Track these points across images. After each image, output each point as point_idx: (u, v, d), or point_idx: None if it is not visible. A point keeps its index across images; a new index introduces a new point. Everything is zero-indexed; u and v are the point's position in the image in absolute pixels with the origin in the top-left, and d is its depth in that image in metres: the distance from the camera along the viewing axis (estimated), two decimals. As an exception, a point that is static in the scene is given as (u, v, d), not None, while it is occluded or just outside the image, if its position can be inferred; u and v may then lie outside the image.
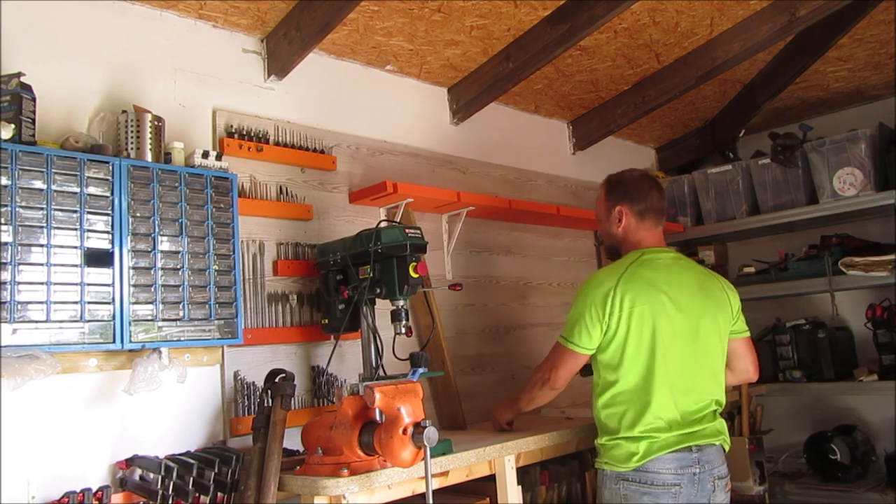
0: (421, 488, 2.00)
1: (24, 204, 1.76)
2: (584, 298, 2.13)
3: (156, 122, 2.06)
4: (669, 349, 2.07)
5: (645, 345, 2.06)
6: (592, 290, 2.12)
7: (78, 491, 1.82)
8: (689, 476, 2.01)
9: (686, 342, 2.10)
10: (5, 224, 1.73)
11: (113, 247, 1.89)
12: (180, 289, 2.01)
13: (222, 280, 2.10)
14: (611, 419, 2.10)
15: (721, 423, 2.14)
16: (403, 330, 2.22)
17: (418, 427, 1.77)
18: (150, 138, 2.03)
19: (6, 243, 1.72)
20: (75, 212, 1.84)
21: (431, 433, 1.75)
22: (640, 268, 2.13)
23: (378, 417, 1.91)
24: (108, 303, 1.86)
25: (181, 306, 2.00)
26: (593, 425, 2.58)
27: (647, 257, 2.17)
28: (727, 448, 2.16)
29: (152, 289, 1.95)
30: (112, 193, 1.91)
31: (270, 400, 2.05)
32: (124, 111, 2.05)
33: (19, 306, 1.72)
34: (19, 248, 1.74)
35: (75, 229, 1.84)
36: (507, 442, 2.26)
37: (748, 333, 2.33)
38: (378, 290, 2.19)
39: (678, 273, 2.18)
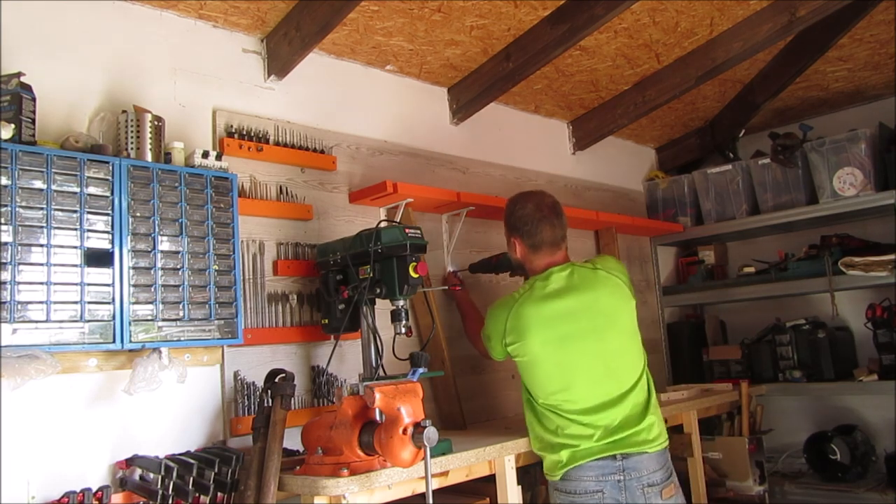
0: (421, 488, 2.00)
1: (24, 204, 1.76)
2: (489, 320, 2.31)
3: (156, 122, 2.05)
4: (576, 366, 2.16)
5: (560, 356, 2.17)
6: (494, 319, 2.28)
7: (78, 491, 1.82)
8: (612, 483, 2.06)
9: (591, 356, 2.18)
10: (5, 224, 1.73)
11: (113, 247, 1.89)
12: (180, 289, 2.01)
13: (222, 280, 2.10)
14: (538, 429, 2.21)
15: (649, 428, 2.15)
16: (403, 330, 2.22)
17: (418, 427, 1.77)
18: (150, 138, 2.03)
19: (6, 243, 1.72)
20: (75, 212, 1.84)
21: (431, 433, 1.75)
22: (533, 295, 2.22)
23: (378, 417, 1.90)
24: (108, 303, 1.86)
25: (181, 306, 2.00)
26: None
27: (536, 284, 2.25)
28: (660, 449, 2.16)
29: (152, 289, 1.95)
30: (112, 193, 1.91)
31: (270, 400, 2.05)
32: (124, 111, 2.05)
33: (19, 306, 1.72)
34: (19, 248, 1.74)
35: (75, 229, 1.84)
36: (507, 442, 2.26)
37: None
38: (378, 290, 2.19)
39: (569, 291, 2.22)
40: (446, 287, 2.84)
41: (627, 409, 2.15)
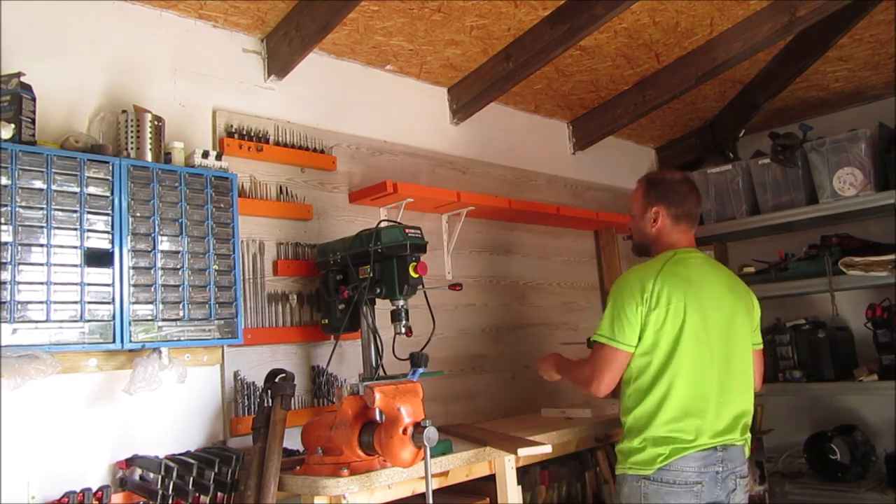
0: (421, 488, 2.00)
1: (24, 204, 1.76)
2: (620, 295, 2.09)
3: (156, 122, 2.06)
4: (710, 346, 2.06)
5: (686, 341, 2.03)
6: (628, 287, 2.09)
7: (78, 491, 1.82)
8: (711, 474, 1.99)
9: (722, 339, 2.09)
10: (5, 224, 1.73)
11: (113, 247, 1.89)
12: (180, 289, 2.01)
13: (222, 280, 2.10)
14: (639, 418, 2.05)
15: (745, 422, 2.12)
16: (403, 330, 2.22)
17: (418, 427, 1.77)
18: (150, 138, 2.03)
19: (6, 243, 1.72)
20: (75, 212, 1.84)
21: (431, 433, 1.75)
22: (675, 266, 2.11)
23: (378, 417, 1.91)
24: (108, 303, 1.86)
25: (181, 306, 2.00)
26: (593, 426, 2.59)
27: (680, 257, 2.15)
28: (748, 451, 2.13)
29: (152, 289, 1.95)
30: (112, 193, 1.91)
31: (270, 400, 2.05)
32: (124, 111, 2.05)
33: (19, 306, 1.72)
34: (19, 247, 1.74)
35: (75, 229, 1.84)
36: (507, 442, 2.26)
37: (762, 346, 2.30)
38: (378, 290, 2.19)
39: (710, 273, 2.18)
40: (446, 287, 2.84)
41: (738, 402, 2.09)
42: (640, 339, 2.06)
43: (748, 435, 2.13)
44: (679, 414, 2.00)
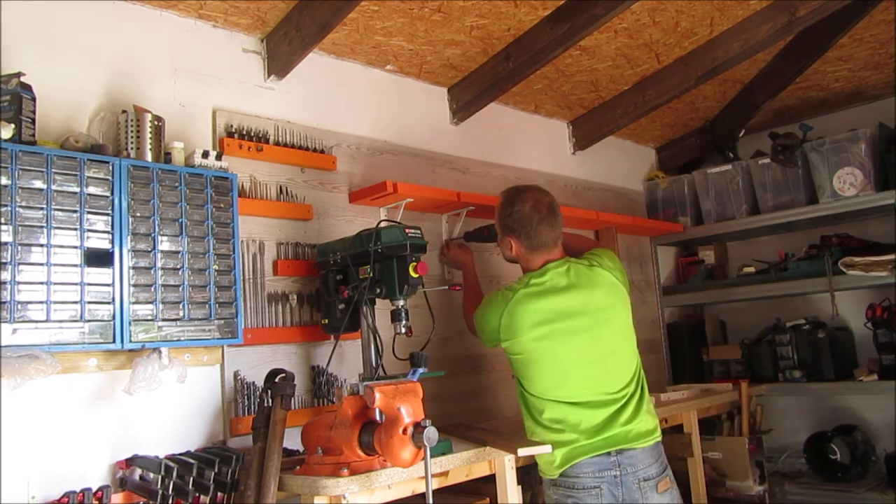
0: (421, 488, 2.00)
1: (24, 204, 1.76)
2: (483, 310, 2.30)
3: (156, 122, 2.05)
4: (571, 364, 2.16)
5: (555, 354, 2.16)
6: (486, 317, 2.27)
7: (78, 491, 1.82)
8: (608, 479, 2.07)
9: (586, 354, 2.17)
10: (5, 224, 1.73)
11: (113, 247, 1.89)
12: (180, 289, 2.01)
13: (222, 280, 2.10)
14: (532, 425, 2.21)
15: (642, 423, 2.16)
16: (403, 330, 2.22)
17: (418, 427, 1.77)
18: (150, 138, 2.03)
19: (6, 243, 1.72)
20: (75, 212, 1.84)
21: (431, 433, 1.75)
22: (529, 292, 2.20)
23: (378, 417, 1.91)
24: (108, 303, 1.86)
25: (181, 306, 2.00)
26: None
27: (532, 281, 2.22)
28: (653, 443, 2.17)
29: (152, 289, 1.95)
30: (112, 193, 1.91)
31: (270, 400, 2.05)
32: (124, 111, 2.05)
33: (19, 306, 1.72)
34: (19, 247, 1.74)
35: (75, 229, 1.84)
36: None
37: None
38: (378, 290, 2.19)
39: (565, 289, 2.21)
40: (446, 287, 2.84)
41: (621, 406, 2.15)
42: (511, 355, 2.24)
43: (651, 431, 2.17)
44: (562, 424, 2.12)
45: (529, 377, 2.20)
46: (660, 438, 2.20)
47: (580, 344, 2.17)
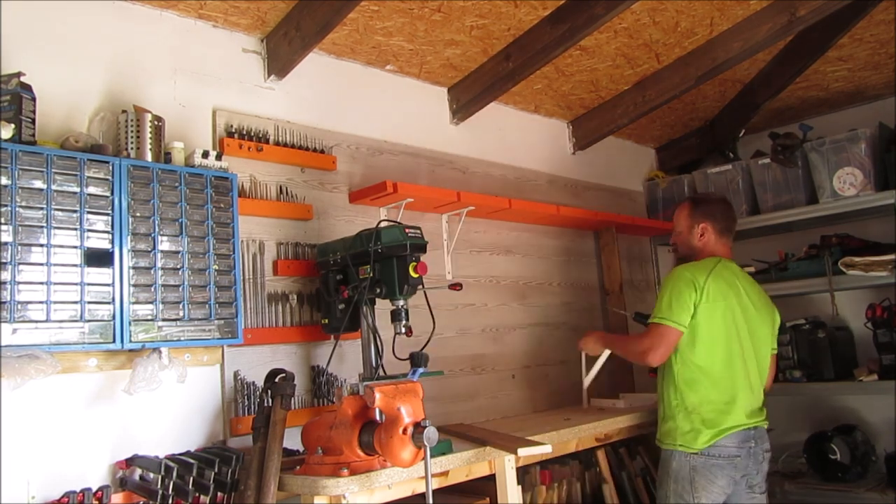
0: (421, 488, 2.00)
1: (24, 204, 1.76)
2: (677, 283, 2.45)
3: (156, 122, 2.06)
4: (745, 342, 2.46)
5: (730, 335, 2.43)
6: (685, 277, 2.45)
7: (78, 491, 1.82)
8: (746, 449, 2.38)
9: (752, 339, 2.49)
10: (5, 224, 1.73)
11: (113, 247, 1.89)
12: (180, 289, 2.01)
13: (222, 280, 2.10)
14: (690, 404, 2.42)
15: (763, 407, 2.52)
16: (403, 330, 2.22)
17: (418, 427, 1.77)
18: (150, 138, 2.03)
19: (6, 243, 1.72)
20: (75, 212, 1.84)
21: (431, 433, 1.75)
22: (723, 270, 2.50)
23: (378, 417, 1.91)
24: (108, 303, 1.86)
25: (181, 306, 2.00)
26: (593, 426, 2.58)
27: (724, 264, 2.54)
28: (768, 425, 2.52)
29: (152, 289, 1.95)
30: (112, 193, 1.91)
31: (270, 400, 2.05)
32: (124, 111, 2.05)
33: (19, 306, 1.72)
34: (19, 247, 1.74)
35: (75, 229, 1.84)
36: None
37: (776, 351, 2.67)
38: (378, 290, 2.19)
39: (746, 282, 2.58)
40: (446, 287, 2.84)
41: (760, 392, 2.50)
42: (692, 322, 2.41)
43: (766, 412, 2.53)
44: (722, 399, 2.38)
45: (701, 343, 2.41)
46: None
47: (750, 324, 2.48)
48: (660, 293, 2.51)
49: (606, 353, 3.00)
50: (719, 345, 2.42)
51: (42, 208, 1.79)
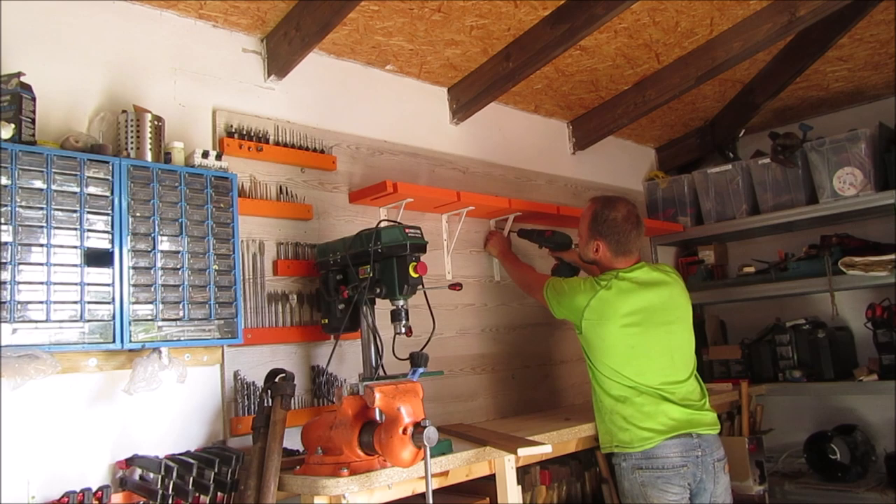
0: (421, 488, 2.00)
1: (24, 204, 1.76)
2: (581, 284, 2.46)
3: (156, 122, 2.05)
4: (646, 353, 2.36)
5: (638, 341, 2.36)
6: (571, 296, 2.44)
7: (78, 491, 1.82)
8: (693, 458, 2.29)
9: (660, 345, 2.39)
10: (5, 224, 1.73)
11: (113, 246, 1.89)
12: (180, 289, 2.01)
13: (222, 280, 2.10)
14: (616, 416, 2.36)
15: (713, 414, 2.43)
16: (403, 330, 2.22)
17: (418, 427, 1.77)
18: (150, 138, 2.03)
19: (6, 243, 1.72)
20: (75, 211, 1.84)
21: (431, 433, 1.75)
22: (618, 282, 2.40)
23: (378, 417, 1.91)
24: (108, 302, 1.86)
25: (181, 306, 2.00)
26: (592, 426, 2.59)
27: (622, 275, 2.42)
28: (718, 431, 2.42)
29: (152, 288, 1.95)
30: (112, 193, 1.91)
31: (270, 400, 2.05)
32: (124, 111, 2.05)
33: (19, 306, 1.72)
34: (19, 247, 1.74)
35: (75, 229, 1.84)
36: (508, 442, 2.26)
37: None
38: (378, 290, 2.19)
39: (651, 287, 2.44)
40: (446, 287, 2.84)
41: (687, 395, 2.39)
42: (590, 341, 2.41)
43: (713, 417, 2.43)
44: (647, 401, 2.32)
45: (605, 359, 2.39)
46: (718, 429, 2.44)
47: (657, 336, 2.39)
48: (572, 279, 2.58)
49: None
50: (621, 353, 2.35)
51: (42, 208, 1.79)
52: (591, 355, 2.44)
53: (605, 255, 2.48)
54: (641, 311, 2.38)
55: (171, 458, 1.96)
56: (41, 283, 1.77)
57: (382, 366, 2.24)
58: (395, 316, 2.21)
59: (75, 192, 1.85)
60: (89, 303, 1.83)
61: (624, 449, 2.34)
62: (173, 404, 2.11)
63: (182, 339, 1.99)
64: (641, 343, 2.37)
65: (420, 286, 2.22)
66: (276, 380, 2.08)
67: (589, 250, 2.52)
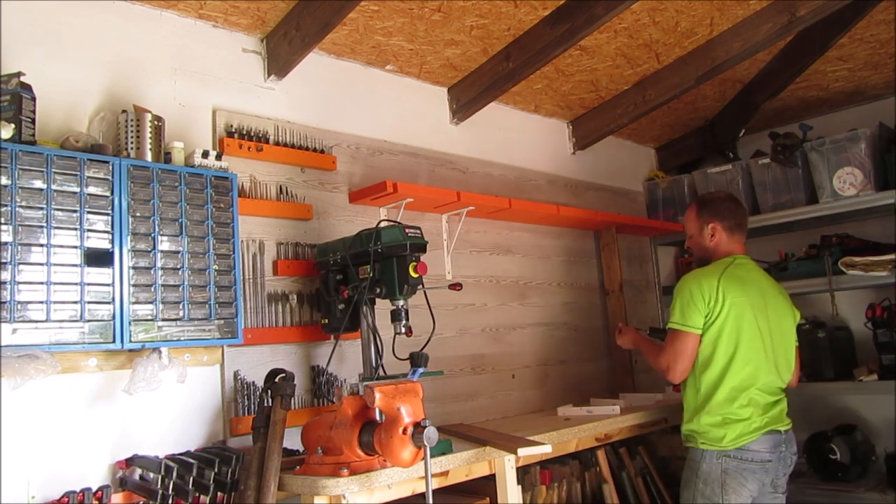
0: (421, 488, 2.00)
1: (24, 204, 1.76)
2: (689, 288, 2.44)
3: (156, 122, 2.06)
4: (763, 338, 2.42)
5: (750, 332, 2.39)
6: (697, 282, 2.44)
7: (78, 491, 1.82)
8: (778, 453, 2.38)
9: (774, 333, 2.47)
10: (5, 224, 1.73)
11: (113, 246, 1.89)
12: (180, 288, 2.01)
13: (222, 280, 2.10)
14: (713, 404, 2.38)
15: (786, 409, 2.51)
16: (403, 330, 2.22)
17: (418, 427, 1.77)
18: (150, 138, 2.03)
19: (6, 243, 1.72)
20: (75, 211, 1.84)
21: (431, 433, 1.75)
22: (735, 269, 2.47)
23: (378, 417, 1.91)
24: (108, 302, 1.86)
25: (181, 306, 2.00)
26: (593, 426, 2.59)
27: (739, 262, 2.52)
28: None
29: (152, 288, 1.95)
30: (112, 193, 1.91)
31: (270, 400, 2.05)
32: (124, 111, 2.05)
33: (19, 306, 1.72)
34: (19, 247, 1.74)
35: (75, 229, 1.84)
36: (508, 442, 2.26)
37: (797, 344, 2.62)
38: (378, 290, 2.19)
39: (762, 277, 2.57)
40: (446, 287, 2.84)
41: (780, 388, 2.47)
42: (705, 329, 2.40)
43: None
44: (746, 398, 2.36)
45: (718, 342, 2.39)
46: None
47: (767, 324, 2.45)
48: (672, 303, 2.50)
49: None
50: (740, 343, 2.38)
51: (42, 208, 1.79)
52: (707, 344, 2.41)
53: (722, 237, 2.54)
54: (757, 297, 2.44)
55: (171, 458, 1.96)
56: (41, 283, 1.77)
57: (382, 366, 2.24)
58: (395, 316, 2.21)
59: (75, 192, 1.85)
60: (89, 303, 1.83)
61: (714, 446, 2.35)
62: (173, 404, 2.11)
63: (182, 339, 1.99)
64: (754, 328, 2.40)
65: (420, 286, 2.22)
66: (276, 380, 2.08)
67: (705, 238, 2.57)
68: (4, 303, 1.70)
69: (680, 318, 2.42)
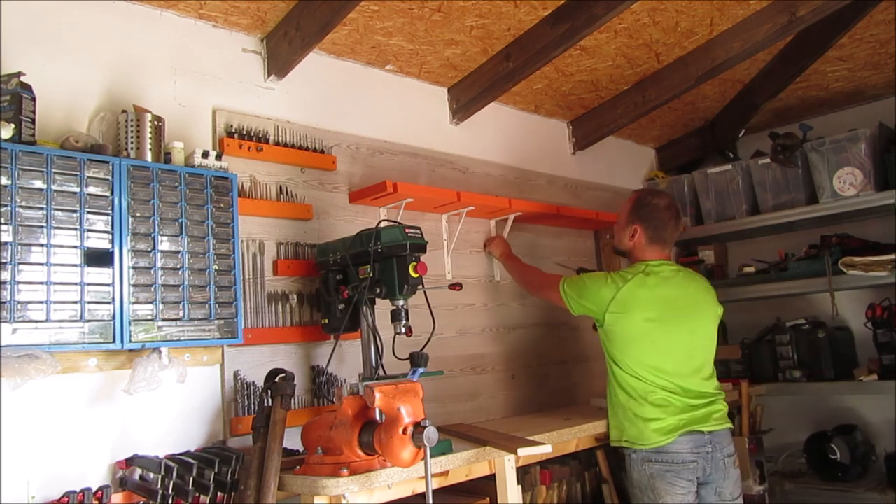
0: (421, 488, 2.00)
1: (24, 204, 1.76)
2: (600, 282, 2.47)
3: (156, 122, 2.05)
4: (680, 343, 2.41)
5: (661, 336, 2.39)
6: (604, 277, 2.47)
7: (78, 491, 1.82)
8: (703, 454, 2.33)
9: (696, 335, 2.45)
10: (5, 224, 1.73)
11: (113, 246, 1.89)
12: (180, 289, 2.01)
13: (222, 280, 2.10)
14: (629, 412, 2.40)
15: (725, 409, 2.47)
16: (403, 330, 2.22)
17: (418, 427, 1.77)
18: (150, 138, 2.03)
19: (6, 243, 1.72)
20: (75, 211, 1.84)
21: (431, 433, 1.75)
22: (647, 278, 2.44)
23: (378, 417, 1.91)
24: (108, 302, 1.86)
25: (181, 306, 2.00)
26: (592, 426, 2.59)
27: (651, 269, 2.48)
28: (729, 427, 2.47)
29: (152, 288, 1.95)
30: (112, 193, 1.91)
31: (270, 400, 2.05)
32: (124, 111, 2.05)
33: (19, 306, 1.72)
34: (19, 247, 1.74)
35: (75, 229, 1.84)
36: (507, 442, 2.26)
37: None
38: (378, 290, 2.19)
39: (681, 280, 2.52)
40: (446, 287, 2.84)
41: (703, 391, 2.42)
42: (611, 333, 2.44)
43: (724, 412, 2.47)
44: (662, 398, 2.36)
45: (621, 350, 2.43)
46: (731, 425, 2.49)
47: (679, 331, 2.43)
48: (588, 274, 2.61)
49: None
50: (643, 347, 2.39)
51: (42, 208, 1.79)
52: (612, 349, 2.46)
53: (640, 242, 2.52)
54: (665, 306, 2.42)
55: (171, 458, 1.96)
56: (41, 283, 1.77)
57: (382, 366, 2.24)
58: (395, 316, 2.21)
59: (75, 192, 1.85)
60: (89, 303, 1.83)
61: (633, 445, 2.38)
62: (173, 404, 2.11)
63: (182, 339, 1.99)
64: (662, 338, 2.40)
65: (420, 286, 2.22)
66: (276, 380, 2.08)
67: (625, 236, 2.56)
68: (4, 303, 1.70)
69: (573, 283, 2.52)
